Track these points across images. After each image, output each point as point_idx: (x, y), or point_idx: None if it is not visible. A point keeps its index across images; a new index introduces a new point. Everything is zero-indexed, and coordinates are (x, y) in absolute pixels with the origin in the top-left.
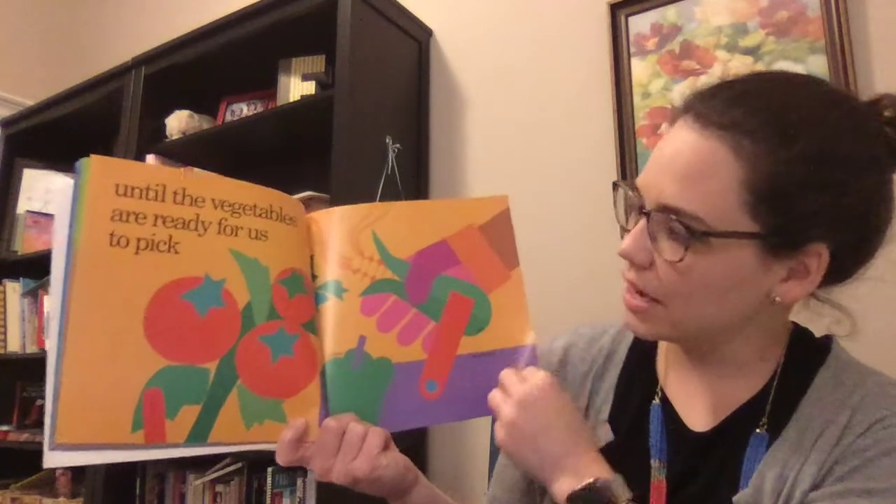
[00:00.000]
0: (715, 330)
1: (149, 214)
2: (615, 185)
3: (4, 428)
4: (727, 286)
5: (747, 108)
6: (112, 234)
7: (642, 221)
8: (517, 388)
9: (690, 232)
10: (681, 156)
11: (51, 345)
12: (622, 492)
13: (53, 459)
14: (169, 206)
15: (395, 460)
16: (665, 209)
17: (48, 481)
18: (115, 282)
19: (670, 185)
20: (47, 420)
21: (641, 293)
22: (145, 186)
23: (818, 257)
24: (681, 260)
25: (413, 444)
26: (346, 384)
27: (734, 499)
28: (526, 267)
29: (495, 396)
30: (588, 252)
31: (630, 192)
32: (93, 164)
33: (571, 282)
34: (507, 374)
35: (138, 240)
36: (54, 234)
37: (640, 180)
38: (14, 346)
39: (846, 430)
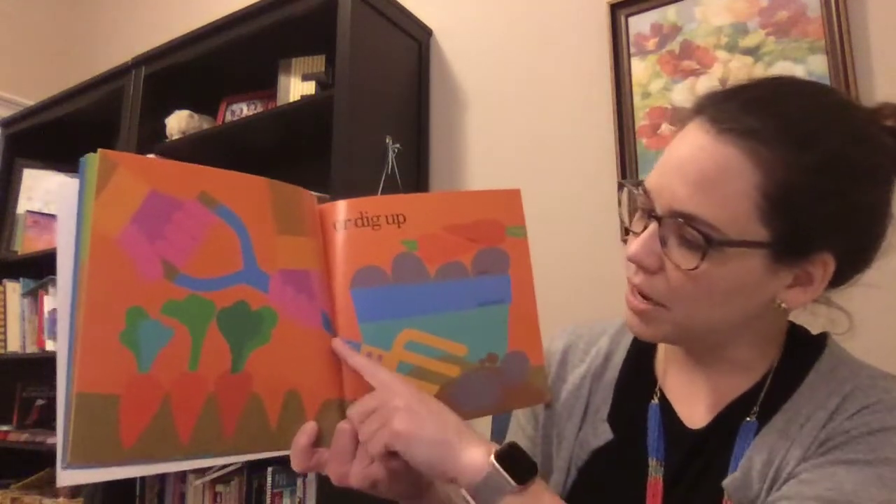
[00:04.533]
0: (717, 332)
1: None
2: (621, 185)
3: (4, 428)
4: (734, 292)
5: (763, 115)
6: None
7: (653, 225)
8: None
9: (707, 240)
10: (695, 161)
11: (61, 347)
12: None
13: (67, 478)
14: None
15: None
16: (678, 215)
17: (48, 481)
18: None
19: (684, 190)
20: (59, 435)
21: (646, 297)
22: None
23: (823, 266)
24: (696, 268)
25: None
26: None
27: (724, 483)
28: None
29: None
30: (588, 251)
31: (637, 193)
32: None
33: (571, 281)
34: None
35: None
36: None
37: (651, 182)
38: (14, 346)
39: (834, 415)
